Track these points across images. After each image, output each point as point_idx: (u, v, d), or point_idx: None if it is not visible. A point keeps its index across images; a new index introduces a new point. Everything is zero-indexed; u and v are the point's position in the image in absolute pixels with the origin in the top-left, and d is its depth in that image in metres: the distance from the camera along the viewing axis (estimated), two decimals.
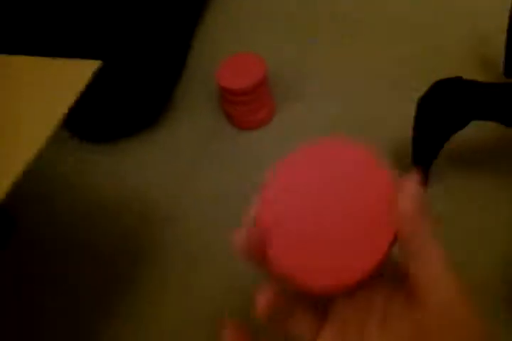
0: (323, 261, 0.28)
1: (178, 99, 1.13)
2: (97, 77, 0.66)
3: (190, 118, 1.09)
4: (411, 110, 0.85)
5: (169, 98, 1.13)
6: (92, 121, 1.09)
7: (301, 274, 0.28)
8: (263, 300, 0.29)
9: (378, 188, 0.28)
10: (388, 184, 0.28)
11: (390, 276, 0.30)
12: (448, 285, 0.26)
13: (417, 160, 0.89)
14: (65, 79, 0.65)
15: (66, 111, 0.62)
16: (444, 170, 0.93)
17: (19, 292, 0.90)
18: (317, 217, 0.28)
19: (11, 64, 0.69)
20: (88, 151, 1.08)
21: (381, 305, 0.29)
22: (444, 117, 0.80)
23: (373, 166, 0.29)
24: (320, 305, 0.30)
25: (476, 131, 0.93)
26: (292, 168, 0.29)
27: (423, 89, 0.83)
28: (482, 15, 1.11)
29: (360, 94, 1.04)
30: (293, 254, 0.28)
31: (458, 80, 0.79)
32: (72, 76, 0.65)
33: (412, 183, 0.27)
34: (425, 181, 0.91)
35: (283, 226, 0.28)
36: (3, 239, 0.96)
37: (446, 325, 0.26)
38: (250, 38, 1.20)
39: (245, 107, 0.95)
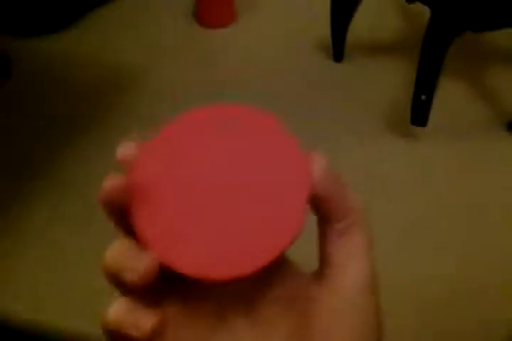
0: (205, 246, 0.23)
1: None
2: None
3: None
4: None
5: None
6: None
7: (176, 259, 0.23)
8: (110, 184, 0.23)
9: (284, 163, 0.24)
10: (296, 156, 0.24)
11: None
12: (363, 270, 0.25)
13: (335, 37, 1.06)
14: None
15: None
16: (355, 53, 1.10)
17: None
18: (206, 190, 0.24)
19: None
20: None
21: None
22: None
23: (279, 135, 0.25)
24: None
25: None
26: (184, 130, 0.25)
27: None
28: None
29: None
30: (164, 231, 0.23)
31: None
32: None
33: (322, 155, 0.25)
34: (340, 58, 1.08)
35: (157, 197, 0.24)
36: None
37: (352, 311, 0.24)
38: None
39: (210, 6, 1.18)
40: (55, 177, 0.89)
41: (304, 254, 0.28)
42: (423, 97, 0.83)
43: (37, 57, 1.17)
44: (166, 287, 0.25)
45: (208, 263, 0.23)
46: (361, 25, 1.06)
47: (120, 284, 0.23)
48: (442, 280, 0.71)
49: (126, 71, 1.12)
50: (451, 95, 0.97)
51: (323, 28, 1.11)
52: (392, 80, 1.03)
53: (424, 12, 0.89)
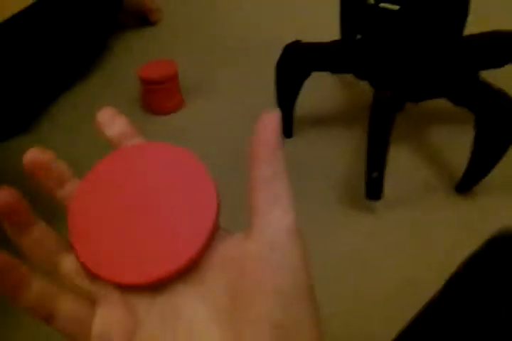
0: (127, 256, 0.27)
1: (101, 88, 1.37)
2: None
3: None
4: None
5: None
6: None
7: (105, 270, 0.27)
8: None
9: (191, 184, 0.28)
10: (206, 182, 0.28)
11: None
12: (287, 214, 0.25)
13: (282, 115, 1.06)
14: None
15: None
16: (304, 127, 1.15)
17: None
18: (128, 213, 0.28)
19: None
20: None
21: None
22: (293, 72, 1.03)
23: (185, 163, 0.29)
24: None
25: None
26: (111, 165, 0.30)
27: None
28: None
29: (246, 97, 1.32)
30: (94, 247, 0.27)
31: (301, 44, 1.04)
32: None
33: (271, 116, 0.27)
34: (290, 133, 1.14)
35: (88, 218, 0.28)
36: None
37: (278, 254, 0.25)
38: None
39: (159, 95, 1.24)
40: None
41: None
42: (375, 175, 0.86)
43: None
44: None
45: (120, 269, 0.26)
46: (307, 100, 1.10)
47: None
48: None
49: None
50: (399, 161, 1.01)
51: (270, 106, 1.16)
52: (341, 153, 1.07)
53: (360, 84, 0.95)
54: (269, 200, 0.26)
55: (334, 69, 1.02)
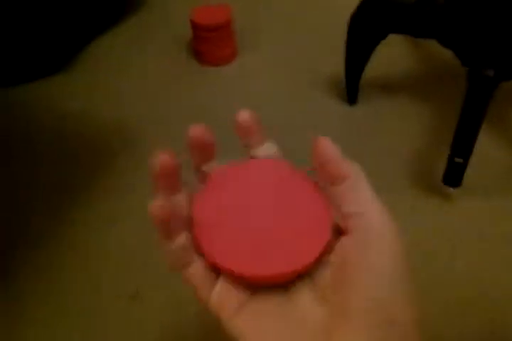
0: (259, 254, 0.29)
1: (148, 40, 1.24)
2: None
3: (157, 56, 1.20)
4: None
5: None
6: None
7: (238, 265, 0.29)
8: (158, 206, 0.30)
9: (307, 198, 0.31)
10: (315, 194, 0.31)
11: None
12: (381, 209, 0.28)
13: (349, 79, 1.00)
14: None
15: None
16: (370, 94, 1.05)
17: None
18: (251, 215, 0.30)
19: None
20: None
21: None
22: (369, 31, 0.91)
23: (301, 180, 0.32)
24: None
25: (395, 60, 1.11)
26: (234, 174, 0.33)
27: None
28: None
29: (308, 43, 1.21)
30: (227, 247, 0.30)
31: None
32: None
33: (325, 138, 0.30)
34: (354, 100, 1.03)
35: (220, 224, 0.30)
36: None
37: (380, 241, 0.27)
38: None
39: (212, 44, 1.12)
40: None
41: None
42: (459, 160, 0.78)
43: (17, 109, 1.08)
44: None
45: (252, 263, 0.29)
46: (375, 64, 0.99)
47: None
48: None
49: (124, 122, 1.04)
50: (481, 144, 0.92)
51: (332, 67, 1.06)
52: (410, 127, 0.98)
53: (441, 51, 0.85)
54: (358, 202, 0.29)
55: (416, 32, 0.90)
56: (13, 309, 0.75)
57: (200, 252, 0.30)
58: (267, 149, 0.34)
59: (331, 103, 1.04)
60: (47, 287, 0.78)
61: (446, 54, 0.87)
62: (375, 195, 0.29)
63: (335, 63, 1.02)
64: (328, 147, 0.30)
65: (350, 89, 1.01)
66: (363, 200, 0.29)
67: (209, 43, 1.12)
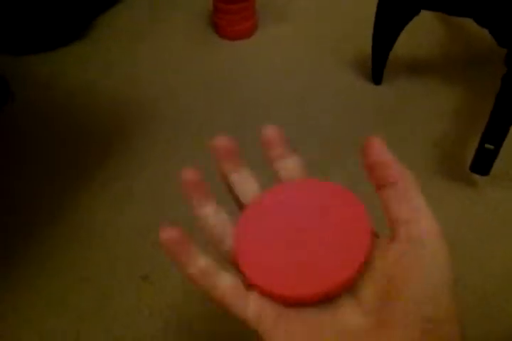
0: (297, 274, 0.30)
1: (168, 11, 1.21)
2: None
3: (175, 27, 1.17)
4: None
5: None
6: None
7: (276, 285, 0.29)
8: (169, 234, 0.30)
9: (348, 216, 0.31)
10: (357, 211, 0.31)
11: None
12: (431, 218, 0.28)
13: (375, 58, 0.96)
14: None
15: None
16: (396, 74, 1.01)
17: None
18: (290, 236, 0.31)
19: None
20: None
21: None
22: (401, 5, 0.87)
23: (343, 198, 0.32)
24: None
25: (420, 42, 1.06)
26: (274, 196, 0.33)
27: None
28: None
29: (332, 20, 1.16)
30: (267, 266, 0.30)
31: None
32: None
33: (378, 139, 0.30)
34: (379, 80, 0.99)
35: (259, 246, 0.31)
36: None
37: (430, 254, 0.27)
38: None
39: (232, 16, 1.08)
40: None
41: None
42: (490, 147, 0.74)
43: (37, 78, 1.04)
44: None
45: (295, 284, 0.29)
46: (402, 43, 0.95)
47: None
48: None
49: (141, 95, 1.01)
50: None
51: (358, 45, 1.02)
52: (436, 109, 0.94)
53: (471, 28, 0.80)
54: (409, 209, 0.28)
55: (451, 9, 0.85)
56: (28, 282, 0.74)
57: (242, 273, 0.31)
58: (291, 163, 0.34)
59: (356, 82, 1.00)
60: (59, 263, 0.76)
61: (480, 33, 0.83)
62: (426, 202, 0.28)
63: (361, 42, 0.98)
64: (381, 148, 0.29)
65: (376, 68, 0.97)
66: (414, 207, 0.28)
67: (229, 16, 1.08)
